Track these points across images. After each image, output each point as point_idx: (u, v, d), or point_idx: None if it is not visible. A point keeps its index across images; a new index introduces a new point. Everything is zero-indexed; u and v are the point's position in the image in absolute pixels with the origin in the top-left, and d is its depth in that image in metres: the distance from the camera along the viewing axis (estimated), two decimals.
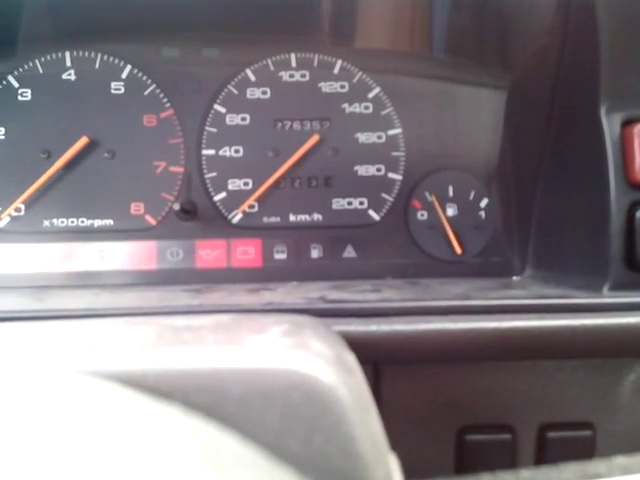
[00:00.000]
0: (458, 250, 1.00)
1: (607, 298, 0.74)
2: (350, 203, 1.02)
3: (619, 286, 0.75)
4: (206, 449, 0.25)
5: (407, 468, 0.41)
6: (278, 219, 1.02)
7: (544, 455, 0.78)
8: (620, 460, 0.36)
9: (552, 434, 0.77)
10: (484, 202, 1.02)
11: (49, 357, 0.35)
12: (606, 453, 0.77)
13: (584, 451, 0.77)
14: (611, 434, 0.78)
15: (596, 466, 0.36)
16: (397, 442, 0.43)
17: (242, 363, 0.34)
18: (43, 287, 0.94)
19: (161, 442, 0.24)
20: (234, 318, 0.49)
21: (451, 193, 1.02)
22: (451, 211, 1.02)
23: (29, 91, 1.00)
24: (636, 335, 0.71)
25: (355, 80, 1.03)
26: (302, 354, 0.35)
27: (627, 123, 0.76)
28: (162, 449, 0.24)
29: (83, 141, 0.98)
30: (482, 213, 1.02)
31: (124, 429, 0.25)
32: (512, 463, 0.78)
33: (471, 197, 1.02)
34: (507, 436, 0.77)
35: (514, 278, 0.97)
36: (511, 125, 1.02)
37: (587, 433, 0.77)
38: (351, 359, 0.41)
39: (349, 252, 1.01)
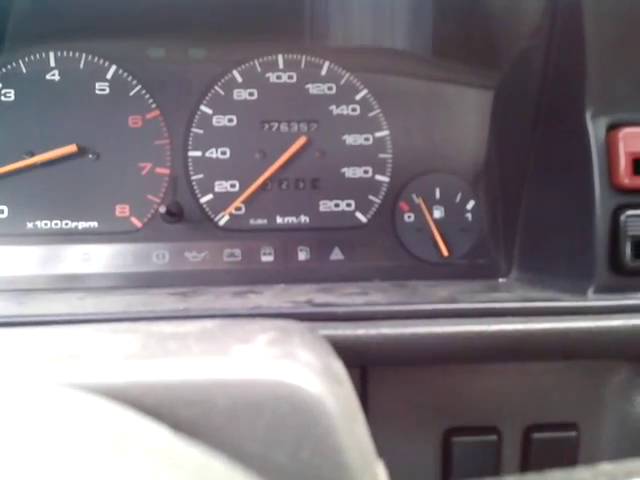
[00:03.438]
0: (445, 252, 1.00)
1: (592, 301, 0.74)
2: (337, 205, 1.02)
3: (604, 289, 0.75)
4: (192, 473, 0.24)
5: (394, 470, 0.41)
6: (265, 221, 1.01)
7: (529, 456, 0.79)
8: (605, 467, 0.36)
9: (537, 435, 0.78)
10: (470, 204, 1.02)
11: (31, 368, 0.34)
12: (590, 454, 0.78)
13: (569, 452, 0.78)
14: (595, 435, 0.79)
15: (581, 473, 0.36)
16: (384, 444, 0.43)
17: (229, 374, 0.34)
18: (26, 290, 0.93)
19: (146, 465, 0.24)
20: (220, 325, 0.49)
21: (438, 195, 1.02)
22: (438, 213, 1.02)
23: (12, 91, 0.98)
24: (620, 338, 0.72)
25: (342, 82, 1.03)
26: (289, 364, 0.35)
27: (612, 127, 0.77)
28: (147, 472, 0.23)
29: (71, 149, 0.97)
30: (469, 215, 1.02)
31: (106, 448, 0.25)
32: (498, 464, 0.78)
33: (458, 199, 1.02)
34: (493, 437, 0.78)
35: (500, 280, 0.97)
36: (497, 127, 1.02)
37: (572, 434, 0.78)
38: (339, 367, 0.41)
39: (336, 254, 1.01)
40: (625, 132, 0.75)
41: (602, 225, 0.76)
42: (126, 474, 0.23)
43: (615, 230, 0.75)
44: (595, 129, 0.77)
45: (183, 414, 0.32)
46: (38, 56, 0.99)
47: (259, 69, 1.03)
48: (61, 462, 0.24)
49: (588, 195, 0.77)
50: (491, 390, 0.78)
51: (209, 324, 0.49)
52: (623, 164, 0.75)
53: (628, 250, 0.75)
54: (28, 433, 0.26)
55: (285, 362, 0.35)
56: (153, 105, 1.01)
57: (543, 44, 0.88)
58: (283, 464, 0.32)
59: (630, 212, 0.75)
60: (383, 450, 0.42)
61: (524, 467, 0.79)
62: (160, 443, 0.27)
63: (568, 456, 0.78)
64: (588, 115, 0.78)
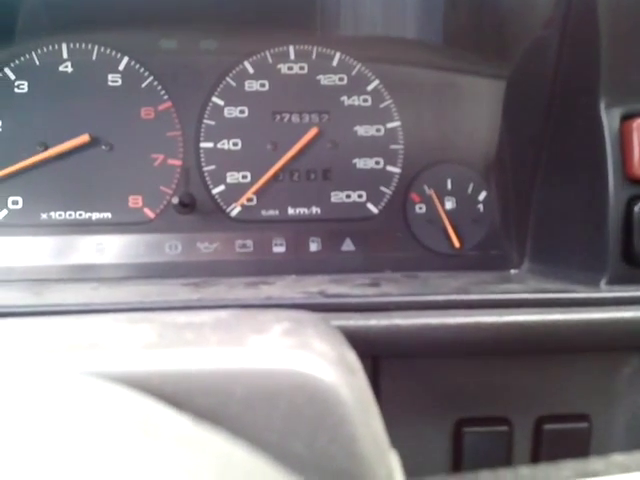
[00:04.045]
0: (456, 243, 1.00)
1: (604, 292, 0.74)
2: (349, 196, 1.02)
3: (616, 280, 0.75)
4: (216, 462, 0.25)
5: (405, 460, 0.42)
6: (277, 212, 1.02)
7: (541, 447, 0.79)
8: (618, 458, 0.37)
9: (549, 426, 0.78)
10: (482, 195, 1.02)
11: (53, 357, 0.35)
12: (602, 445, 0.78)
13: (580, 443, 0.78)
14: (607, 426, 0.79)
15: (594, 464, 0.37)
16: (396, 434, 0.44)
17: (246, 364, 0.34)
18: (41, 280, 0.94)
19: (175, 450, 0.24)
20: (234, 314, 0.49)
21: (449, 186, 1.02)
22: (449, 204, 1.02)
23: (25, 83, 0.99)
24: (632, 329, 0.71)
25: (354, 72, 1.03)
26: (305, 355, 0.35)
27: (626, 118, 0.76)
28: (171, 460, 0.24)
29: (84, 139, 0.98)
30: (480, 206, 1.02)
31: (137, 434, 0.25)
32: (509, 455, 0.78)
33: (469, 190, 1.02)
34: (504, 428, 0.78)
35: (512, 271, 0.97)
36: (510, 117, 1.01)
37: (583, 425, 0.78)
38: (353, 358, 0.41)
39: (347, 245, 1.01)
40: (639, 122, 0.75)
41: (615, 216, 0.75)
42: (157, 459, 0.23)
43: (628, 221, 0.75)
44: (609, 119, 0.77)
45: (201, 403, 0.32)
46: (51, 48, 1.00)
47: (270, 60, 1.03)
48: (94, 448, 0.24)
49: (601, 186, 0.76)
50: (502, 381, 0.78)
51: (223, 314, 0.50)
52: (637, 155, 0.74)
53: None
54: (61, 421, 0.26)
55: (301, 352, 0.35)
56: (165, 97, 1.01)
57: (556, 34, 0.87)
58: (299, 453, 0.32)
59: None
60: (394, 440, 0.42)
61: (535, 458, 0.79)
62: (185, 431, 0.27)
63: (580, 447, 0.78)
64: (602, 105, 0.77)
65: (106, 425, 0.26)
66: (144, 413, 0.28)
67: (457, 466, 0.79)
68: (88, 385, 0.30)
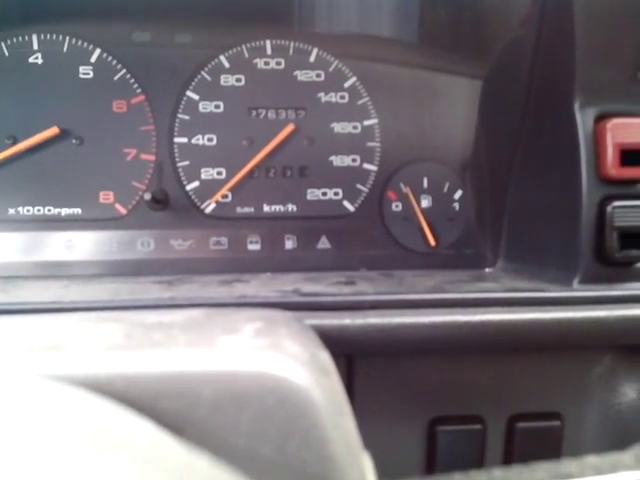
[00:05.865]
0: (432, 242, 1.00)
1: (577, 291, 0.75)
2: (325, 194, 1.02)
3: (589, 279, 0.76)
4: (175, 474, 0.24)
5: (378, 459, 0.41)
6: (252, 209, 1.00)
7: (514, 445, 0.79)
8: (592, 460, 0.37)
9: (521, 424, 0.79)
10: (458, 194, 1.02)
11: (8, 358, 0.33)
12: (574, 443, 0.79)
13: (552, 441, 0.79)
14: (579, 424, 0.80)
15: (568, 466, 0.36)
16: (369, 433, 0.43)
17: (214, 366, 0.33)
18: (9, 277, 0.92)
19: (126, 467, 0.23)
20: (206, 314, 0.48)
21: (426, 184, 1.02)
22: (425, 203, 1.02)
23: None
24: (605, 328, 0.72)
25: (331, 69, 1.02)
26: (276, 356, 0.34)
27: (600, 118, 0.77)
28: (127, 475, 0.23)
29: (53, 131, 0.95)
30: (456, 205, 1.02)
31: (84, 448, 0.24)
32: (482, 453, 0.79)
33: (445, 189, 1.02)
34: (477, 427, 0.78)
35: (486, 270, 0.97)
36: (486, 116, 1.02)
37: (555, 423, 0.79)
38: (326, 358, 0.40)
39: (323, 243, 1.01)
40: (613, 123, 0.75)
41: (588, 216, 0.76)
42: (105, 478, 0.22)
43: (601, 221, 0.75)
44: (583, 119, 0.77)
45: (167, 406, 0.31)
46: (21, 39, 0.97)
47: (246, 55, 1.01)
48: (34, 464, 0.23)
49: (575, 186, 0.77)
50: (476, 379, 0.78)
51: (195, 313, 0.48)
52: (611, 155, 0.75)
53: (614, 241, 0.75)
54: (8, 425, 0.25)
55: (271, 354, 0.35)
56: (138, 90, 0.99)
57: (533, 33, 0.88)
58: (269, 457, 0.31)
59: (617, 203, 0.75)
60: (368, 439, 0.42)
61: (508, 456, 0.79)
62: (142, 441, 0.26)
63: (552, 445, 0.79)
64: (576, 105, 0.78)
65: (54, 434, 0.25)
66: (97, 421, 0.27)
67: (431, 465, 0.79)
68: (38, 388, 0.29)
